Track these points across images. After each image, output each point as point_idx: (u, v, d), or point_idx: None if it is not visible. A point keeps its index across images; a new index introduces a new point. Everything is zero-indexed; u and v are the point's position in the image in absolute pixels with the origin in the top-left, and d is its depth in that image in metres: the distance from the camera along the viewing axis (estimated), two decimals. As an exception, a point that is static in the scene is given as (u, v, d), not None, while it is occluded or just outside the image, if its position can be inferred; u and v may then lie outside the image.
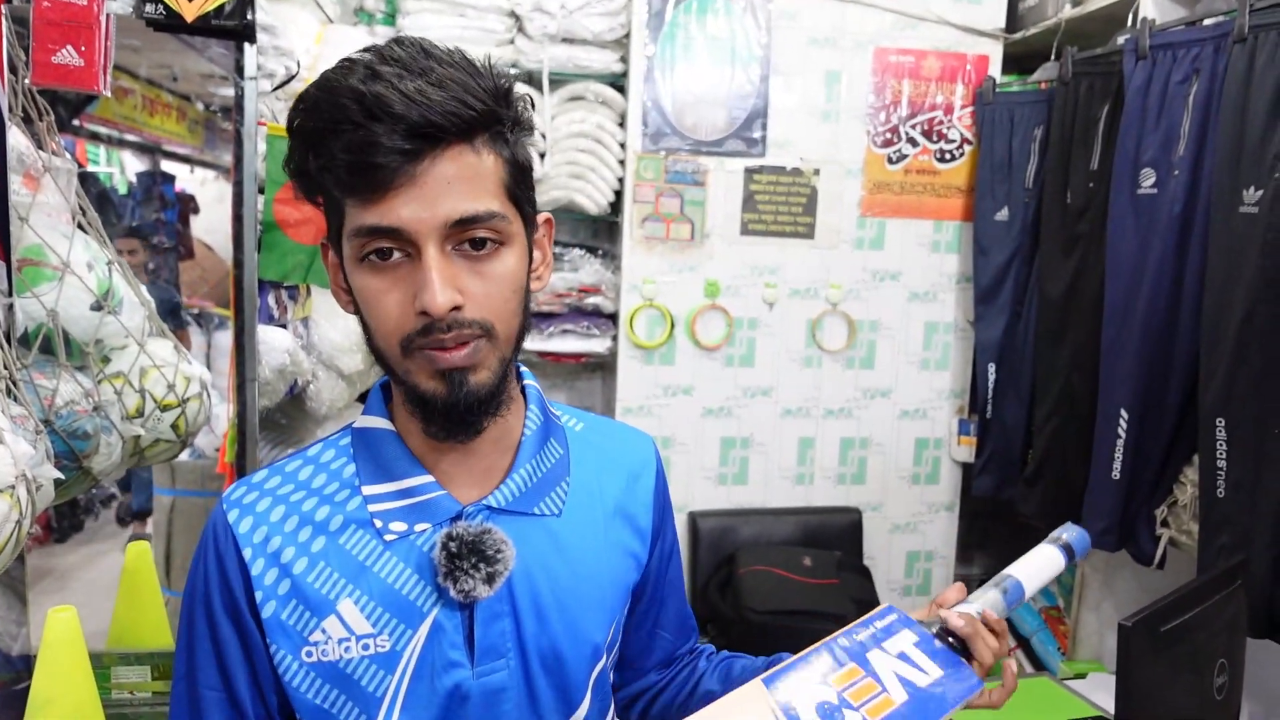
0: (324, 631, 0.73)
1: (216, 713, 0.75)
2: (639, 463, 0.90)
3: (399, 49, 0.67)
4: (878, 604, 2.67)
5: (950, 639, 0.82)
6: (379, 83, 0.65)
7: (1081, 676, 2.16)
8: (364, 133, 0.64)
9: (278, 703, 0.76)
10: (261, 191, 1.45)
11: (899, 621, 0.82)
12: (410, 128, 0.65)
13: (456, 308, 0.68)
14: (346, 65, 0.67)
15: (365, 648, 0.73)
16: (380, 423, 0.79)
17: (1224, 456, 1.74)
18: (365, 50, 0.69)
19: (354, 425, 0.81)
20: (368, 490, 0.76)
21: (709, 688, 0.94)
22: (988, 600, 0.86)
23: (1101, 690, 1.89)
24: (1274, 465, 1.63)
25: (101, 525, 4.47)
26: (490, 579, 0.73)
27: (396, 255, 0.68)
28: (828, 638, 0.79)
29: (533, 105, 0.76)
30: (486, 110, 0.68)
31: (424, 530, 0.75)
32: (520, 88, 0.73)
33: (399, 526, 0.75)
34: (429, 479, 0.76)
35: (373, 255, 0.68)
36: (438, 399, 0.71)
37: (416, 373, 0.71)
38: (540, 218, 0.80)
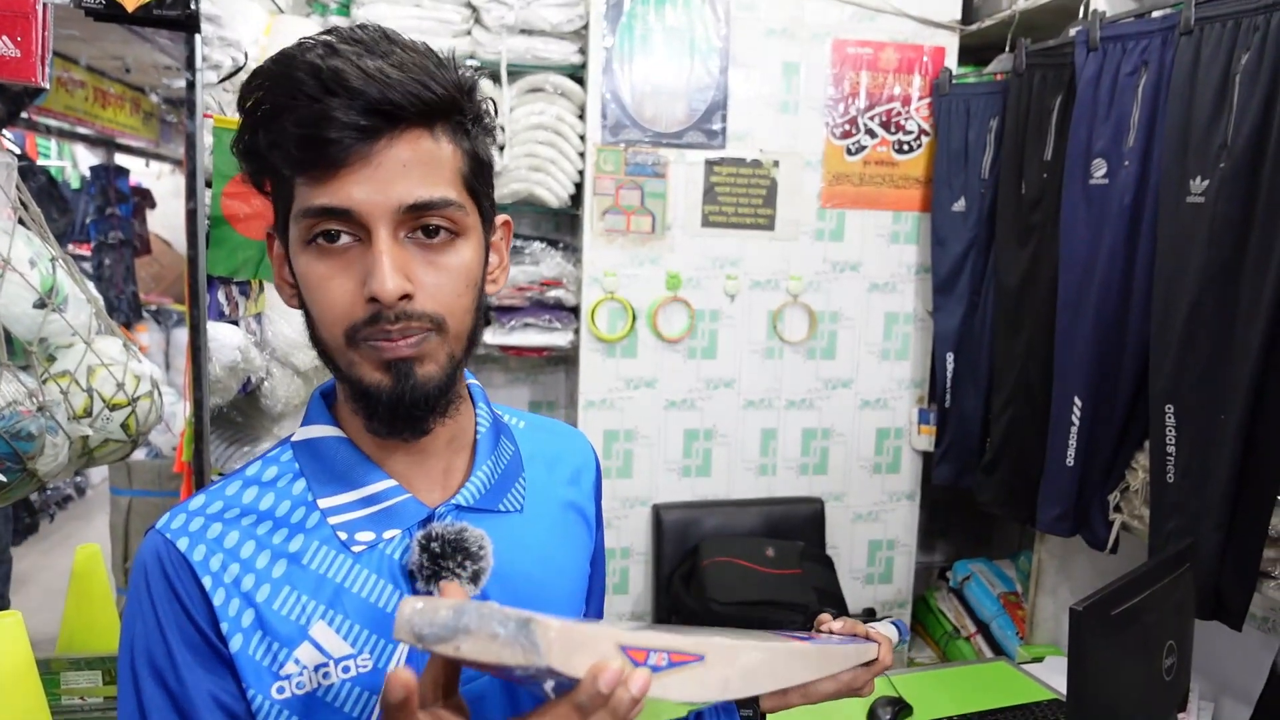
0: (297, 662, 0.68)
1: None
2: (580, 458, 0.90)
3: (360, 32, 0.66)
4: (840, 594, 2.67)
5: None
6: (337, 58, 0.63)
7: (1039, 660, 2.20)
8: (319, 107, 0.62)
9: None
10: (209, 185, 1.43)
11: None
12: (368, 104, 0.62)
13: (406, 296, 0.65)
14: (304, 43, 0.65)
15: (345, 670, 0.69)
16: (328, 430, 0.75)
17: (1173, 442, 1.77)
18: (325, 32, 0.67)
19: (292, 439, 0.77)
20: (324, 503, 0.72)
21: None
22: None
23: (1058, 673, 1.92)
24: (1221, 451, 1.66)
25: (58, 526, 4.38)
26: (475, 577, 0.71)
27: (345, 239, 0.66)
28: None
29: (495, 109, 0.74)
30: (447, 97, 0.66)
31: (393, 537, 0.72)
32: (484, 86, 0.71)
33: (366, 536, 0.71)
34: (391, 483, 0.73)
35: (320, 238, 0.66)
36: (382, 392, 0.67)
37: (361, 364, 0.68)
38: (499, 219, 0.77)
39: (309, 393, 2.21)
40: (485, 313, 2.60)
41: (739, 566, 2.39)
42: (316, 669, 0.68)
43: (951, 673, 1.94)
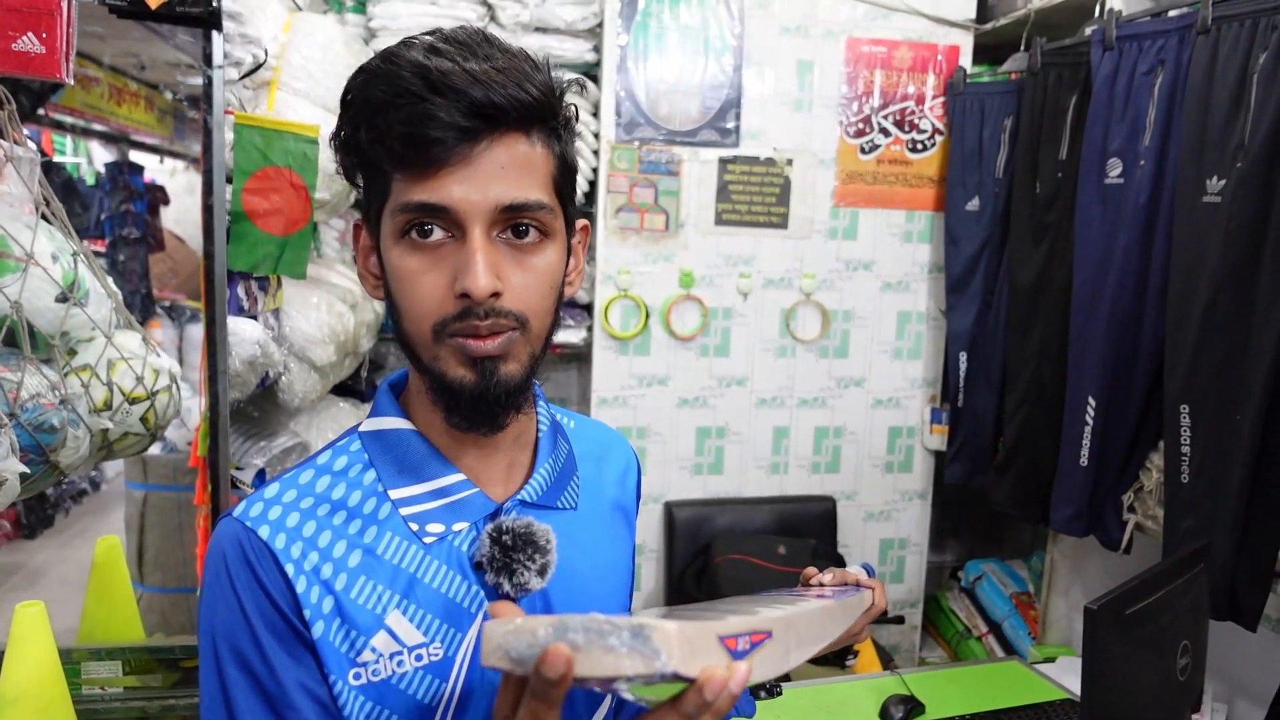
0: (373, 650, 0.69)
1: None
2: (624, 459, 0.92)
3: (463, 33, 0.68)
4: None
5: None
6: (442, 58, 0.64)
7: (1051, 660, 2.19)
8: (424, 106, 0.64)
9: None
10: (230, 181, 1.44)
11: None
12: (471, 106, 0.64)
13: (496, 294, 0.67)
14: (409, 41, 0.67)
15: (419, 659, 0.70)
16: (399, 423, 0.76)
17: (1188, 442, 1.77)
18: (428, 32, 0.69)
19: (361, 429, 0.78)
20: (395, 494, 0.73)
21: None
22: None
23: (1070, 673, 1.92)
24: (1236, 450, 1.66)
25: (73, 520, 4.42)
26: (543, 570, 0.72)
27: (439, 235, 0.67)
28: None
29: (578, 115, 0.75)
30: (544, 102, 0.68)
31: (461, 530, 0.73)
32: (568, 95, 0.73)
33: (436, 528, 0.73)
34: (461, 477, 0.74)
35: (414, 233, 0.67)
36: (466, 387, 0.69)
37: (446, 359, 0.69)
38: (579, 223, 0.79)
39: (325, 388, 2.23)
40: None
41: (751, 564, 2.39)
42: (391, 657, 0.70)
43: (963, 672, 1.94)
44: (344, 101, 0.69)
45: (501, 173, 0.66)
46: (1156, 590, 1.37)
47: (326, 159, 1.73)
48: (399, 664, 0.70)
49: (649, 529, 2.64)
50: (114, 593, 1.63)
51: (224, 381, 1.52)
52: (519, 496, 0.76)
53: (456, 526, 0.73)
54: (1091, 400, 2.02)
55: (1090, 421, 2.03)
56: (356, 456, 0.76)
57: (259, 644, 0.68)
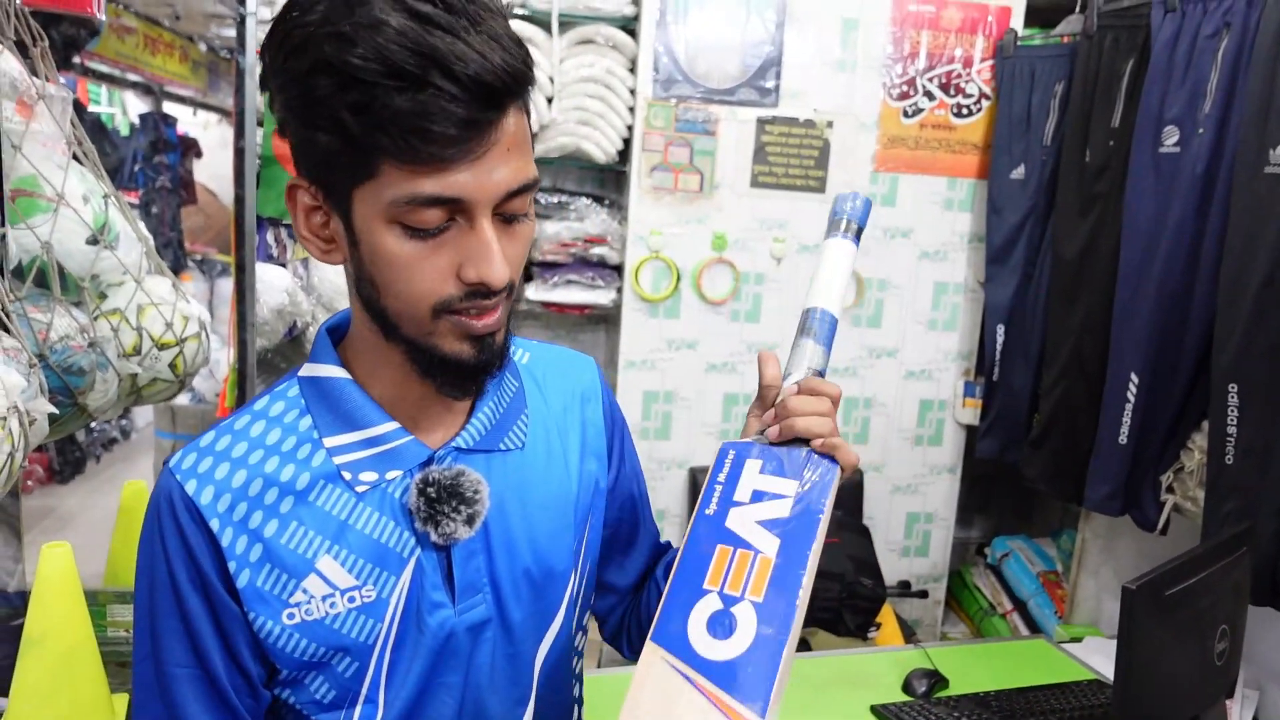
0: (305, 591, 0.72)
1: (187, 689, 0.72)
2: (587, 386, 0.89)
3: None
4: (876, 564, 2.63)
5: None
6: (435, 28, 0.59)
7: (1078, 640, 2.16)
8: (431, 95, 0.59)
9: (259, 671, 0.74)
10: (260, 126, 1.41)
11: (739, 456, 0.75)
12: (483, 94, 0.61)
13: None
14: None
15: (351, 600, 0.73)
16: (335, 371, 0.75)
17: (1235, 423, 1.71)
18: None
19: (299, 374, 0.77)
20: (330, 442, 0.74)
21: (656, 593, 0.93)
22: (806, 358, 0.80)
23: (1098, 654, 1.89)
24: (1286, 432, 1.61)
25: (104, 468, 4.49)
26: (470, 520, 0.73)
27: (441, 220, 0.65)
28: (690, 526, 0.73)
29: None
30: (529, 66, 0.65)
31: (395, 477, 0.74)
32: (534, 36, 0.70)
33: (369, 476, 0.74)
34: (394, 425, 0.74)
35: (413, 220, 0.64)
36: (465, 361, 0.70)
37: (443, 335, 0.69)
38: None
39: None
40: (527, 268, 2.59)
41: (775, 532, 2.37)
42: (324, 599, 0.72)
43: (988, 648, 1.92)
44: (295, 50, 0.61)
45: (507, 155, 0.65)
46: (1197, 572, 1.34)
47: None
48: (331, 605, 0.72)
49: (672, 494, 2.63)
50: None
51: (252, 331, 1.50)
52: (454, 444, 0.76)
53: (390, 475, 0.74)
54: (1134, 377, 1.96)
55: (1132, 398, 1.97)
56: (294, 403, 0.76)
57: (182, 598, 0.71)
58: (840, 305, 0.83)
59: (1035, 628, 2.56)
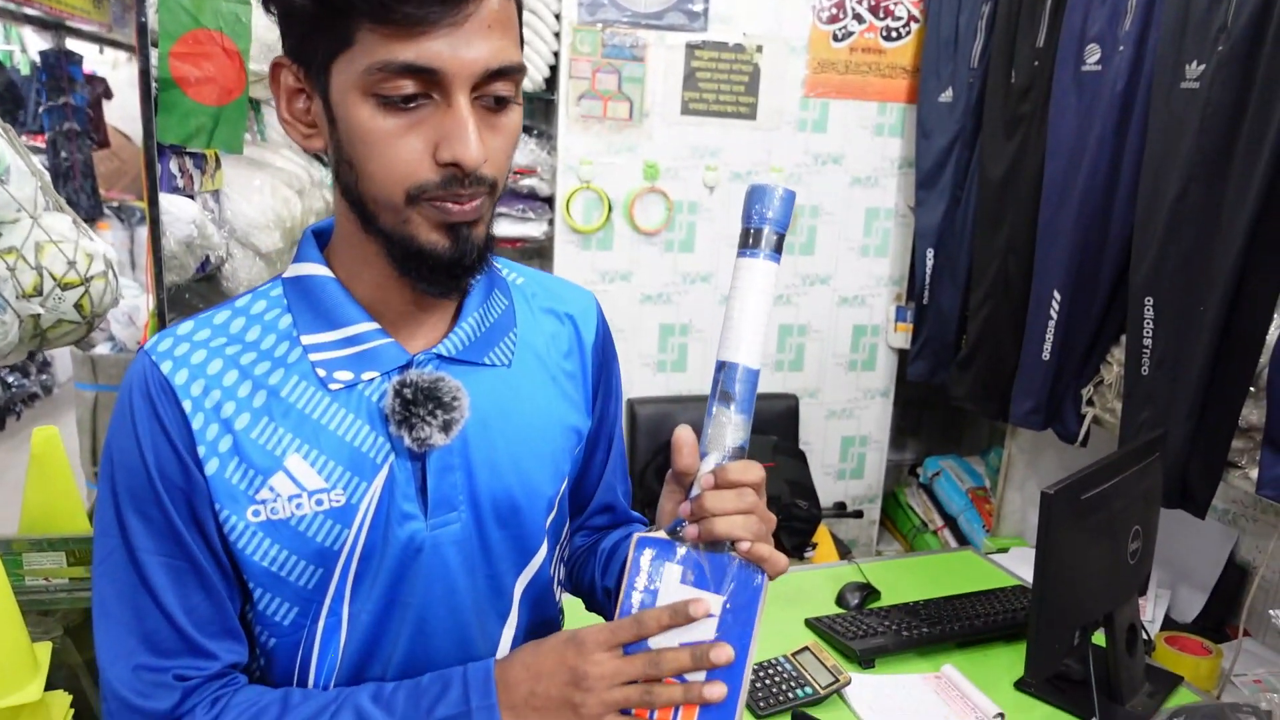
0: (271, 489, 0.69)
1: (163, 575, 0.69)
2: (581, 315, 0.87)
3: None
4: (812, 487, 2.66)
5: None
6: None
7: (1004, 550, 2.24)
8: None
9: (230, 563, 0.71)
10: (155, 46, 1.33)
11: (657, 558, 0.69)
12: None
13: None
14: None
15: (319, 503, 0.70)
16: (318, 269, 0.74)
17: (1150, 334, 1.77)
18: None
19: (284, 275, 0.76)
20: (307, 339, 0.72)
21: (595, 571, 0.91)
22: (726, 435, 0.70)
23: (1022, 562, 1.96)
24: (1198, 342, 1.66)
25: (25, 424, 4.32)
26: (447, 426, 0.71)
27: (415, 95, 0.63)
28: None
29: None
30: None
31: (371, 379, 0.72)
32: None
33: (344, 376, 0.71)
34: (374, 326, 0.73)
35: (388, 92, 0.62)
36: (441, 253, 0.67)
37: (418, 224, 0.66)
38: None
39: (272, 275, 2.15)
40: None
41: (713, 460, 2.40)
42: (290, 499, 0.70)
43: (918, 561, 1.98)
44: None
45: (488, 32, 0.63)
46: (1112, 477, 1.39)
47: (263, 26, 1.60)
48: (298, 506, 0.70)
49: (612, 426, 2.63)
50: (54, 484, 1.58)
51: (161, 266, 1.44)
52: (435, 350, 0.74)
53: (366, 375, 0.72)
54: (1057, 294, 2.01)
55: (1054, 315, 2.02)
56: (275, 301, 0.75)
57: (154, 482, 0.69)
58: (761, 353, 0.72)
59: (965, 541, 2.65)
